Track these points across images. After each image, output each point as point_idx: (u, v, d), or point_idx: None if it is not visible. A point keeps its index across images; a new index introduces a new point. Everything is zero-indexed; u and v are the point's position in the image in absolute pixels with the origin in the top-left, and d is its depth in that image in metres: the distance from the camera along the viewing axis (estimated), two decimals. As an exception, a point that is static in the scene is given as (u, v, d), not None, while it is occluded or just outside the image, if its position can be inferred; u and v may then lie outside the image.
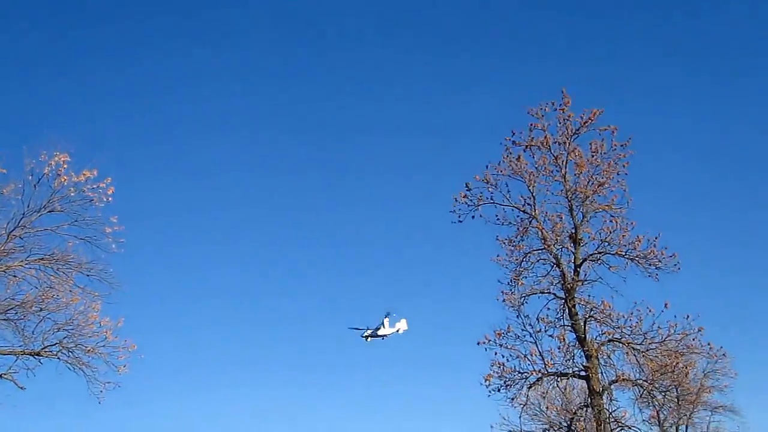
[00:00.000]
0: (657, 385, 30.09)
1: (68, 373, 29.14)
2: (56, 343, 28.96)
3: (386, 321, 79.23)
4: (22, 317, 28.56)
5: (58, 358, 29.06)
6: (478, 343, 30.05)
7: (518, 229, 31.84)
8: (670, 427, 42.82)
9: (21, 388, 28.97)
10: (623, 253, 29.97)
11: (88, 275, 28.06)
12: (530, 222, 31.65)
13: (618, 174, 31.20)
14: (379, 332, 79.05)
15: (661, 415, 41.86)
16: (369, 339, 79.23)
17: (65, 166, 27.16)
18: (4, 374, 28.63)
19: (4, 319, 28.06)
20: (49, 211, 27.14)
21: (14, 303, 28.13)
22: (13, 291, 28.11)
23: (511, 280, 31.31)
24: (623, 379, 29.82)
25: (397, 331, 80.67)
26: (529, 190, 31.70)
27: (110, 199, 27.62)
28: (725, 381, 36.96)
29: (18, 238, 26.95)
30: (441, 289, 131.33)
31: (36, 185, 26.81)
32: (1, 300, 27.93)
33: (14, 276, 27.46)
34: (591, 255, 30.52)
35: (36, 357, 28.95)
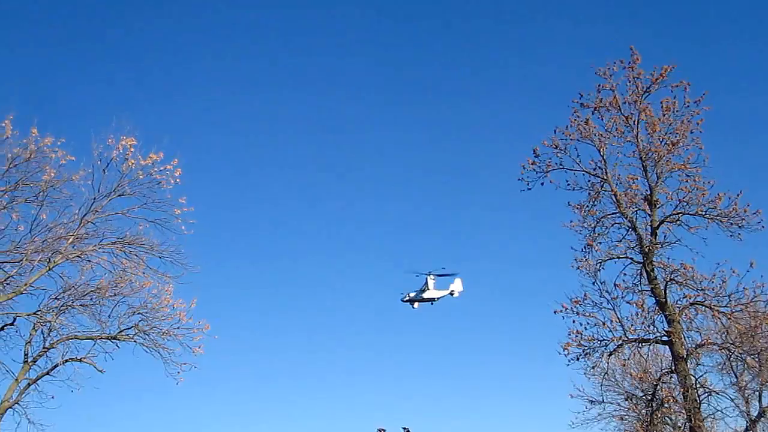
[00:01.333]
0: (745, 349, 28.80)
1: (145, 356, 29.40)
2: (132, 327, 29.29)
3: (431, 282, 68.48)
4: (98, 302, 28.91)
5: (135, 341, 29.37)
6: (555, 312, 29.26)
7: (590, 193, 30.97)
8: (753, 393, 41.41)
9: (100, 371, 29.45)
10: (703, 213, 28.83)
11: (160, 257, 28.23)
12: (602, 186, 30.75)
13: (692, 132, 29.99)
14: (425, 295, 68.76)
15: (743, 381, 40.56)
16: (416, 304, 69.24)
17: (132, 150, 27.25)
18: (84, 358, 29.11)
19: (81, 305, 28.39)
20: (119, 195, 27.30)
21: (89, 288, 28.46)
22: (87, 277, 28.48)
23: (585, 246, 30.47)
24: (709, 343, 28.81)
25: (451, 293, 69.85)
26: (600, 153, 30.80)
27: (178, 180, 27.66)
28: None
29: (90, 223, 27.21)
30: (507, 255, 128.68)
31: (105, 170, 27.00)
32: (77, 286, 28.26)
33: (88, 261, 27.73)
34: (669, 216, 29.44)
35: (113, 341, 29.30)
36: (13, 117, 26.26)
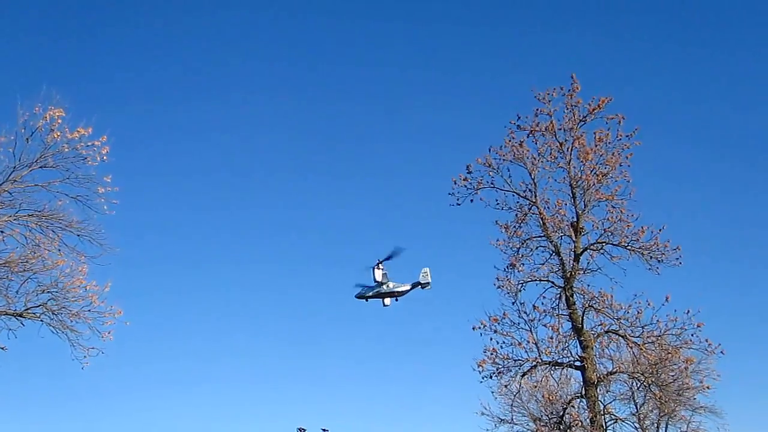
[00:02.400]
0: (653, 380, 29.57)
1: (51, 336, 28.19)
2: (40, 305, 27.90)
3: (377, 272, 57.27)
4: (6, 277, 27.48)
5: (41, 320, 28.02)
6: (474, 328, 29.51)
7: (517, 215, 31.56)
8: (651, 424, 42.67)
9: (2, 348, 28.06)
10: (626, 245, 29.66)
11: (78, 235, 27.08)
12: (530, 208, 31.32)
13: (622, 165, 30.91)
14: (384, 289, 57.57)
15: (644, 411, 41.74)
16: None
17: (59, 121, 26.11)
18: (-15, 333, 27.74)
19: (-14, 279, 27.04)
20: (41, 167, 26.08)
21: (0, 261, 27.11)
22: (-1, 248, 27.10)
23: (508, 266, 30.94)
24: (620, 371, 29.49)
25: (420, 285, 57.49)
26: (531, 176, 31.46)
27: (105, 158, 26.65)
28: (708, 382, 36.67)
29: (6, 192, 25.91)
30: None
31: (28, 139, 25.76)
32: (-16, 257, 26.91)
33: (1, 232, 26.41)
34: (592, 244, 30.20)
35: (18, 318, 27.92)
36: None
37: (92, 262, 28.15)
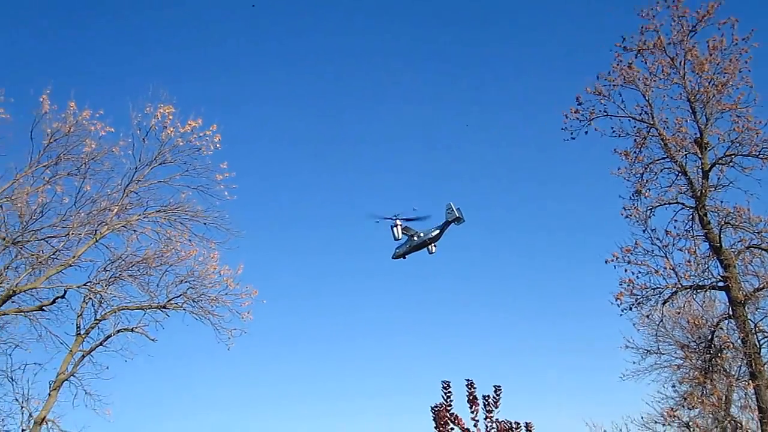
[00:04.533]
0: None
1: (196, 323, 29.59)
2: (180, 295, 29.51)
3: (397, 230, 54.00)
4: (146, 272, 29.15)
5: (184, 309, 29.59)
6: (606, 262, 28.66)
7: (636, 140, 30.16)
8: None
9: (152, 340, 29.79)
10: (757, 153, 27.89)
11: (204, 224, 28.19)
12: (649, 131, 29.90)
13: (742, 71, 28.93)
14: (416, 241, 54.18)
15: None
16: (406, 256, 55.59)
17: (170, 117, 27.11)
18: (135, 328, 29.51)
19: (129, 275, 28.58)
20: (160, 164, 27.24)
21: (137, 259, 28.63)
22: (134, 247, 28.59)
23: (634, 193, 29.78)
24: (766, 287, 27.97)
25: (454, 221, 53.70)
26: (645, 97, 29.87)
27: (218, 146, 27.46)
28: None
29: (133, 193, 27.25)
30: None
31: (144, 139, 26.89)
32: (124, 256, 28.42)
33: (134, 231, 27.83)
34: (721, 158, 28.55)
35: (162, 310, 29.52)
36: (50, 91, 26.19)
37: (222, 248, 29.33)
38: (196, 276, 29.47)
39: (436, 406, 19.45)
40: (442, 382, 19.62)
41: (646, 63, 30.00)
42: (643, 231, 28.87)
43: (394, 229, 54.77)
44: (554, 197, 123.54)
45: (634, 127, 30.17)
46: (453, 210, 53.69)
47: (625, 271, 28.35)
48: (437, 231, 54.43)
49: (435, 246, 55.13)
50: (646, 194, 29.45)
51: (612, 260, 28.60)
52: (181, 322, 29.91)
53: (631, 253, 28.51)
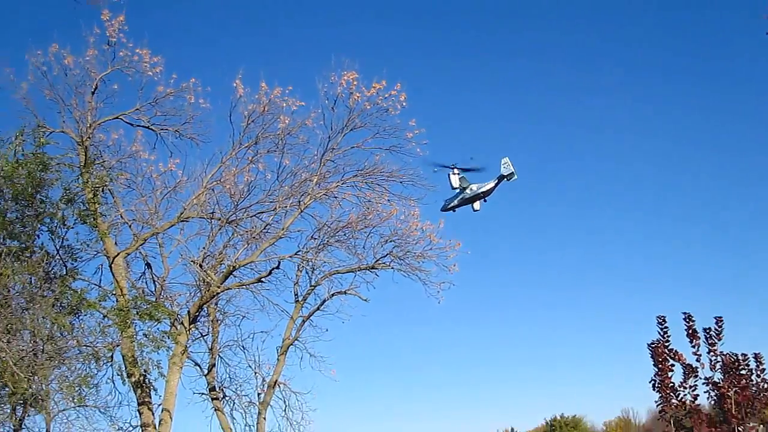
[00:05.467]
0: None
1: (404, 280, 30.24)
2: (387, 255, 30.23)
3: (454, 178, 50.65)
4: (351, 236, 30.08)
5: (392, 268, 30.24)
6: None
7: None
8: None
9: (365, 300, 30.90)
10: None
11: (400, 182, 28.33)
12: None
13: None
14: (468, 194, 51.14)
15: None
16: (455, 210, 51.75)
17: (355, 83, 27.23)
18: (348, 290, 30.85)
19: (336, 241, 29.76)
20: (351, 129, 27.53)
21: (341, 224, 29.59)
22: (337, 213, 29.52)
23: None
24: None
25: (506, 178, 50.92)
26: None
27: (405, 104, 27.30)
28: None
29: (330, 161, 27.85)
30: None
31: (333, 108, 27.26)
32: (329, 223, 29.42)
33: (335, 198, 28.58)
34: None
35: (371, 271, 30.42)
36: (241, 76, 27.25)
37: (420, 204, 29.58)
38: (399, 234, 29.98)
39: (653, 343, 18.60)
40: (657, 317, 18.71)
41: None
42: None
43: (451, 177, 51.19)
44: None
45: None
46: (509, 165, 50.09)
47: None
48: (490, 186, 50.66)
49: (482, 202, 51.46)
50: None
51: None
52: (390, 281, 30.69)
53: None
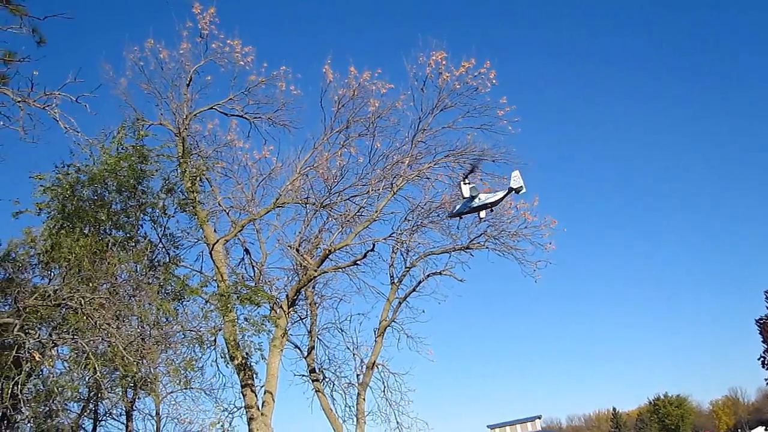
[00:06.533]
0: None
1: (499, 260, 29.94)
2: (481, 234, 30.17)
3: (464, 187, 50.14)
4: (445, 217, 29.85)
5: (487, 247, 30.10)
6: None
7: None
8: None
9: (460, 280, 30.80)
10: None
11: (493, 161, 28.19)
12: None
13: None
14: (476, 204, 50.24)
15: None
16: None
17: (444, 63, 26.99)
18: (443, 271, 30.82)
19: (430, 222, 29.81)
20: (442, 110, 27.34)
21: (434, 205, 29.55)
22: (430, 194, 29.50)
23: None
24: None
25: (515, 191, 50.99)
26: None
27: (495, 82, 26.89)
28: None
29: (421, 142, 27.77)
30: None
31: (423, 89, 27.10)
32: (422, 204, 29.43)
33: (427, 179, 28.53)
34: None
35: (466, 251, 30.31)
36: (330, 61, 27.41)
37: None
38: (493, 213, 29.67)
39: (761, 319, 17.80)
40: (766, 291, 17.89)
41: None
42: None
43: (463, 187, 49.68)
44: None
45: None
46: (518, 178, 48.15)
47: None
48: (498, 197, 48.76)
49: (488, 211, 49.69)
50: None
51: None
52: (485, 261, 30.45)
53: None
